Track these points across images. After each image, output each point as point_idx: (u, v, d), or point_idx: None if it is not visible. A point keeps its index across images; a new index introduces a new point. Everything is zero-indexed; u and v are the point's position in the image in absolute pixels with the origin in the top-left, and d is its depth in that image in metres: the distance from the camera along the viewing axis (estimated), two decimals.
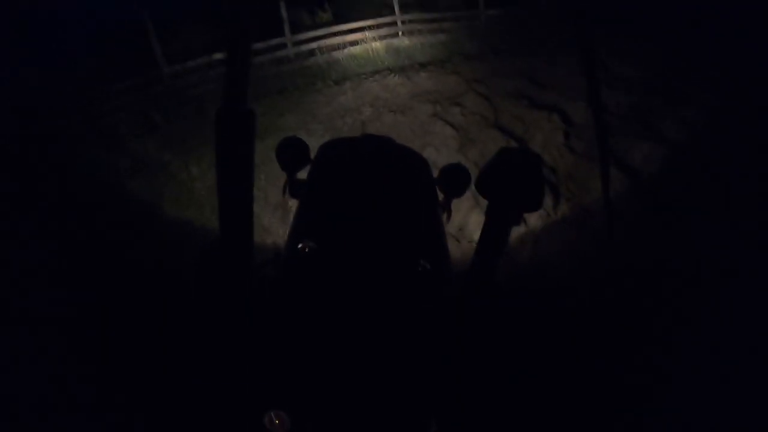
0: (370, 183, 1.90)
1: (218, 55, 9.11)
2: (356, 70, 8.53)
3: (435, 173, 2.18)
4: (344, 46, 9.63)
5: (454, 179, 2.19)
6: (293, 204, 2.01)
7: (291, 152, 2.31)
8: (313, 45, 9.53)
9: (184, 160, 6.67)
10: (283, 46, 9.37)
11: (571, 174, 5.30)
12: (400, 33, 10.03)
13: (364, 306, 1.39)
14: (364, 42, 9.77)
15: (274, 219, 6.20)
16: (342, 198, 1.86)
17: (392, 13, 10.13)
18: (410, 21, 10.12)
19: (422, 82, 7.60)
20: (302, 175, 2.14)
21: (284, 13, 9.39)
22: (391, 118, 6.84)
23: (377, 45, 9.69)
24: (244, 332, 1.36)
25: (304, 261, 1.56)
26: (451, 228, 4.90)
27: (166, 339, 3.26)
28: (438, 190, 2.18)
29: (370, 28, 9.90)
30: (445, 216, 2.17)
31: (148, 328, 3.66)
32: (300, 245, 1.66)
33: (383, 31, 9.95)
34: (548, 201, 5.17)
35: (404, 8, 10.24)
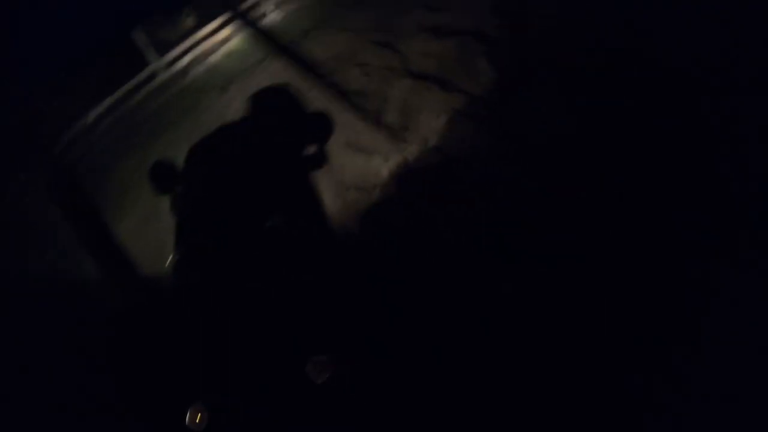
0: (222, 167, 2.05)
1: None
2: (239, 68, 7.75)
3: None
4: (218, 46, 8.78)
5: (316, 129, 2.49)
6: None
7: (158, 173, 2.43)
8: (187, 58, 8.65)
9: None
10: (154, 74, 8.50)
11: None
12: (270, 8, 9.15)
13: (229, 271, 1.58)
14: (237, 33, 8.90)
15: None
16: (195, 195, 2.03)
17: None
18: None
19: (311, 54, 6.86)
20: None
21: (143, 39, 8.46)
22: None
23: (251, 30, 8.83)
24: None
25: (176, 270, 1.76)
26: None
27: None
28: (307, 143, 2.41)
29: (237, 16, 9.00)
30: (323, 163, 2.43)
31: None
32: (169, 260, 1.87)
33: (253, 14, 9.06)
34: None
35: None
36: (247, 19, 8.98)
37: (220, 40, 8.81)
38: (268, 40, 8.36)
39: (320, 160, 2.62)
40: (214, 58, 8.50)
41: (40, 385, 3.58)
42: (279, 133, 2.46)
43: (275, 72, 6.85)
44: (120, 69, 9.35)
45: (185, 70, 8.56)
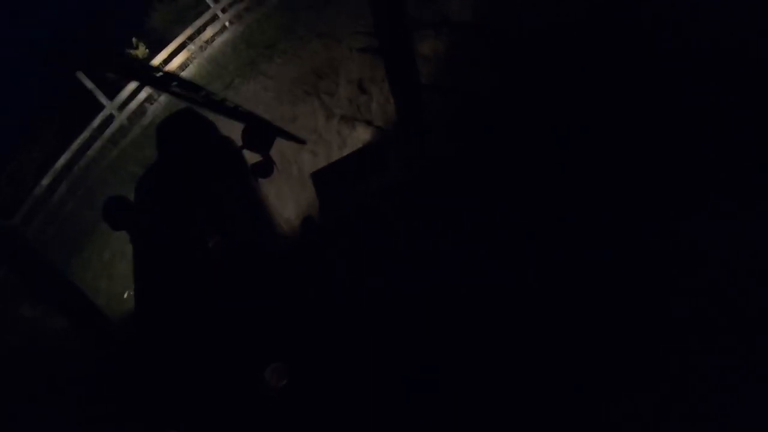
0: (168, 193, 2.05)
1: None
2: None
3: None
4: (176, 72, 7.73)
5: (257, 139, 2.42)
6: None
7: (112, 212, 2.41)
8: (142, 95, 7.62)
9: None
10: (110, 118, 7.46)
11: None
12: (226, 24, 8.12)
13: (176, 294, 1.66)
14: (194, 57, 7.88)
15: None
16: (146, 226, 2.06)
17: (207, 7, 8.18)
18: (230, 5, 8.17)
19: (283, 70, 5.85)
20: None
21: (89, 84, 7.42)
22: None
23: (210, 52, 7.82)
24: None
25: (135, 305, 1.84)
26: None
27: None
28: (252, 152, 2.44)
29: (191, 38, 7.97)
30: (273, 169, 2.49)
31: None
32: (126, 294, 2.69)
33: (208, 33, 8.03)
34: None
35: None
36: (204, 38, 7.95)
37: (177, 67, 7.77)
38: (230, 59, 7.36)
39: (266, 170, 2.60)
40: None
41: None
42: (223, 149, 2.46)
43: (247, 97, 5.82)
44: (73, 118, 8.39)
45: (141, 110, 7.52)
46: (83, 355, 4.07)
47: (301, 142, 3.20)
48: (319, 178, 3.31)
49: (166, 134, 2.51)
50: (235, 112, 2.35)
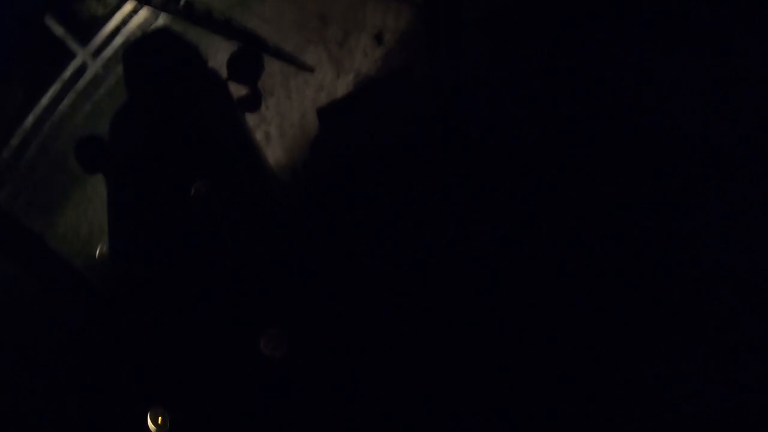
0: (144, 134, 1.63)
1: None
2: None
3: None
4: (154, 18, 6.84)
5: (245, 68, 1.91)
6: None
7: (83, 152, 2.43)
8: (119, 40, 6.75)
9: None
10: (83, 68, 6.62)
11: None
12: None
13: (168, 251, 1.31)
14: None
15: None
16: (122, 172, 1.62)
17: None
18: None
19: (280, 11, 5.04)
20: None
21: (58, 29, 6.53)
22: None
23: None
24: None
25: (108, 260, 1.35)
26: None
27: None
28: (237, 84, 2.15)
29: None
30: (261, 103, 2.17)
31: None
32: (99, 249, 1.95)
33: None
34: None
35: None
36: None
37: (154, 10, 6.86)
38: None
39: (253, 104, 2.29)
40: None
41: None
42: (203, 84, 2.18)
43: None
44: (44, 67, 7.53)
45: (117, 57, 6.68)
46: (61, 320, 3.77)
47: (308, 69, 2.99)
48: (326, 114, 2.90)
49: (138, 61, 2.28)
50: (227, 27, 1.95)
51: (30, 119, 6.45)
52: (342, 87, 3.65)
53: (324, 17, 4.55)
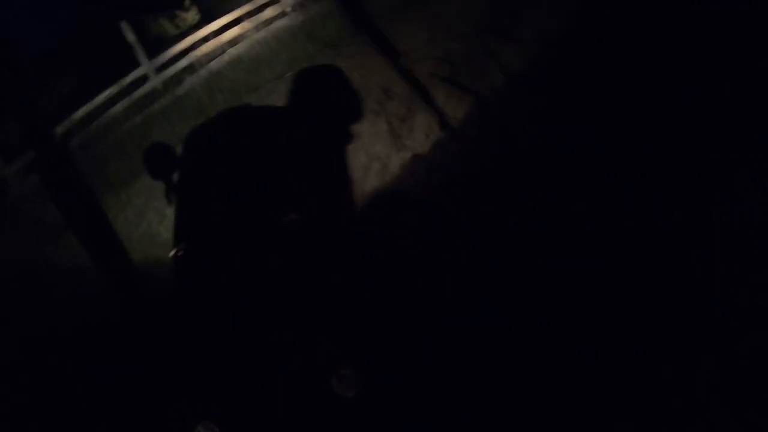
0: (227, 158, 1.86)
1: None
2: (248, 83, 6.14)
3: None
4: (223, 49, 7.16)
5: (335, 111, 2.49)
6: None
7: (154, 158, 2.47)
8: (183, 62, 7.02)
9: None
10: (143, 79, 6.86)
11: None
12: (288, 9, 7.55)
13: (249, 279, 1.40)
14: (246, 36, 7.30)
15: None
16: (202, 183, 1.87)
17: None
18: None
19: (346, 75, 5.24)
20: None
21: (131, 37, 6.83)
22: None
23: (263, 34, 7.24)
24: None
25: (180, 265, 1.63)
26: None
27: None
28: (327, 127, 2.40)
29: (249, 14, 7.40)
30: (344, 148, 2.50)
31: None
32: (173, 253, 1.80)
33: (267, 13, 7.47)
34: None
35: None
36: (261, 18, 7.37)
37: (226, 42, 7.20)
38: (286, 47, 6.79)
39: (345, 141, 2.44)
40: (216, 65, 6.88)
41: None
42: (288, 122, 2.22)
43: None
44: (108, 63, 7.77)
45: (178, 77, 6.92)
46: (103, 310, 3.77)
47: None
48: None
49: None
50: None
51: (80, 113, 6.62)
52: (396, 161, 3.76)
53: (387, 90, 4.75)
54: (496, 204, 3.04)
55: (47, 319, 4.17)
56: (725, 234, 2.27)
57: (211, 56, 7.10)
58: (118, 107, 6.58)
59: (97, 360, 3.25)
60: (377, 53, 5.52)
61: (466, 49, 4.68)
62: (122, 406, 2.61)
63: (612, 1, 3.84)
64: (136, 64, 6.94)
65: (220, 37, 7.19)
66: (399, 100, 4.48)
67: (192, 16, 8.67)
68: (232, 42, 7.24)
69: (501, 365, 2.18)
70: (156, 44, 7.71)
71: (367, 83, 5.03)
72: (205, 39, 7.16)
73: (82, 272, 4.57)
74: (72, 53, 9.00)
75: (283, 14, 7.53)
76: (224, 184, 1.89)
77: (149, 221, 5.30)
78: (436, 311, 2.31)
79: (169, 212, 4.92)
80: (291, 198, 1.76)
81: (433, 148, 3.73)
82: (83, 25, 9.26)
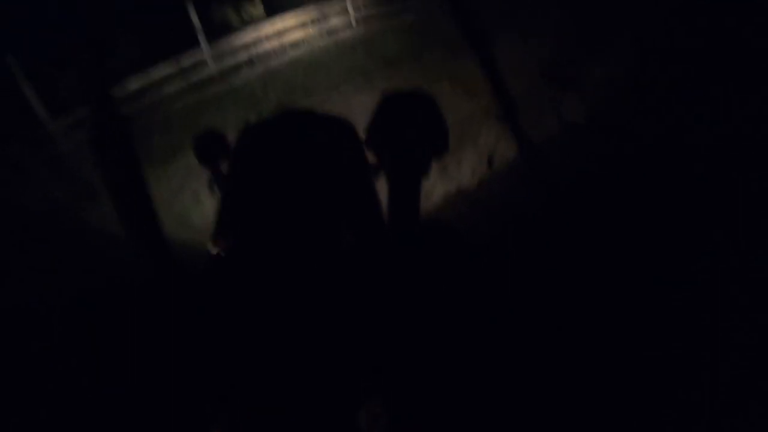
0: (281, 166, 1.38)
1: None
2: (305, 86, 6.23)
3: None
4: (284, 50, 7.30)
5: (384, 138, 1.62)
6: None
7: (205, 143, 2.45)
8: (243, 56, 7.16)
9: None
10: (202, 64, 6.99)
11: None
12: (352, 22, 7.69)
13: (291, 298, 1.18)
14: (309, 41, 7.43)
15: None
16: (252, 185, 1.40)
17: None
18: (365, 5, 7.76)
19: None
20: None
21: (195, 20, 6.99)
22: None
23: (326, 42, 7.38)
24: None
25: (219, 267, 1.35)
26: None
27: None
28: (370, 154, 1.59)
29: (313, 21, 7.55)
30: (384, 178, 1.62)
31: None
32: (213, 249, 1.94)
33: (331, 23, 7.61)
34: None
35: None
36: (325, 26, 7.51)
37: (288, 43, 7.34)
38: (345, 58, 6.90)
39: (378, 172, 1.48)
40: (275, 63, 7.01)
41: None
42: (353, 136, 1.31)
43: (353, 109, 5.28)
44: (170, 39, 7.89)
45: (236, 68, 7.05)
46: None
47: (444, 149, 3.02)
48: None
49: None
50: None
51: (134, 84, 6.73)
52: (440, 191, 3.77)
53: None
54: (528, 247, 3.08)
55: (71, 276, 4.26)
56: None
57: (271, 54, 7.23)
58: (173, 86, 6.70)
59: (111, 328, 3.30)
60: (434, 80, 5.59)
61: (525, 91, 4.73)
62: (131, 393, 2.51)
63: (673, 58, 3.88)
64: (196, 47, 7.07)
65: (282, 37, 7.31)
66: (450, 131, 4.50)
67: (257, 9, 8.86)
68: (294, 44, 7.37)
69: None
70: (218, 31, 7.86)
71: None
72: (268, 37, 7.29)
73: (113, 236, 4.66)
74: (137, 22, 9.17)
75: (347, 26, 7.68)
76: (277, 189, 1.97)
77: (183, 203, 5.36)
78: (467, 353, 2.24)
79: (206, 199, 4.99)
80: (347, 218, 1.83)
81: (478, 184, 3.73)
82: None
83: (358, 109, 5.22)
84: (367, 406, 1.45)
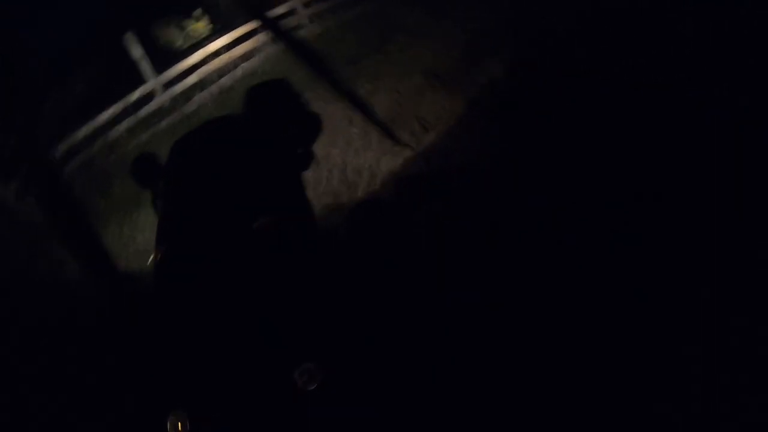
0: (204, 168, 2.06)
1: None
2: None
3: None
4: (236, 64, 6.74)
5: (302, 128, 2.55)
6: None
7: (141, 167, 2.53)
8: (193, 78, 6.60)
9: None
10: (150, 96, 6.43)
11: None
12: (305, 21, 7.13)
13: (216, 279, 1.55)
14: (261, 49, 6.87)
15: None
16: (180, 192, 2.05)
17: None
18: (315, 1, 7.19)
19: (373, 101, 4.75)
20: None
21: (137, 51, 6.42)
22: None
23: (280, 48, 6.81)
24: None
25: (159, 268, 1.78)
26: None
27: None
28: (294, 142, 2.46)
29: (263, 27, 6.98)
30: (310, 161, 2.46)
31: None
32: (152, 258, 1.98)
33: (283, 26, 7.03)
34: None
35: None
36: (277, 31, 6.94)
37: (239, 56, 6.78)
38: (302, 63, 6.35)
39: (308, 158, 2.53)
40: (228, 81, 6.46)
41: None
42: (267, 131, 2.37)
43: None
44: (111, 81, 7.40)
45: (187, 94, 6.49)
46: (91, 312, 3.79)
47: (403, 144, 3.56)
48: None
49: (245, 104, 2.57)
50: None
51: (83, 131, 6.21)
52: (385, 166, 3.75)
53: (424, 119, 4.28)
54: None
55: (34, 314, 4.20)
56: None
57: (223, 71, 6.68)
58: (124, 125, 6.17)
59: (78, 352, 3.37)
60: (406, 75, 5.07)
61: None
62: (97, 398, 2.80)
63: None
64: (142, 80, 6.51)
65: (232, 51, 6.76)
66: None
67: (203, 27, 8.25)
68: (246, 56, 6.82)
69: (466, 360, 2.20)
70: (165, 57, 7.30)
71: (400, 111, 4.58)
72: (217, 53, 6.74)
73: (70, 280, 4.51)
74: (78, 66, 8.62)
75: (299, 27, 7.11)
76: (203, 190, 1.99)
77: (147, 239, 4.97)
78: (404, 310, 2.45)
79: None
80: (264, 203, 1.89)
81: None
82: (90, 37, 8.88)
83: (326, 124, 4.72)
84: (302, 366, 1.51)
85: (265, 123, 2.54)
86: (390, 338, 2.33)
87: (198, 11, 8.38)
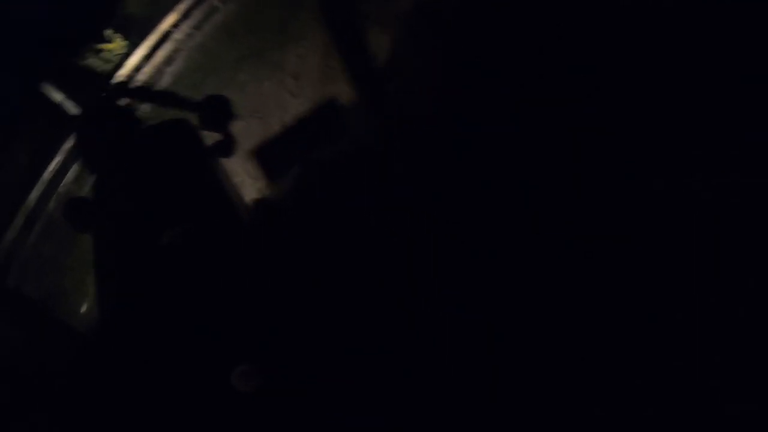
0: (121, 188, 2.04)
1: None
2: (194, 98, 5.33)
3: None
4: (160, 72, 6.26)
5: (215, 114, 2.48)
6: None
7: (72, 210, 2.48)
8: (120, 102, 6.13)
9: None
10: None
11: None
12: (216, 2, 6.56)
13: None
14: (181, 48, 6.37)
15: None
16: (107, 218, 2.05)
17: None
18: None
19: (308, 65, 4.36)
20: None
21: (56, 96, 5.96)
22: None
23: (201, 40, 6.30)
24: None
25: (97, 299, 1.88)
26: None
27: None
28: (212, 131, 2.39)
29: (176, 25, 6.44)
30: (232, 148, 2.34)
31: None
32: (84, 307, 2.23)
33: (196, 16, 6.48)
34: None
35: None
36: (193, 21, 6.41)
37: (161, 62, 6.28)
38: (225, 47, 5.89)
39: (229, 144, 2.38)
40: (156, 91, 6.02)
41: None
42: (183, 133, 2.35)
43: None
44: (45, 138, 6.96)
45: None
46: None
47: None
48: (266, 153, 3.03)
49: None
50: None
51: (33, 195, 5.83)
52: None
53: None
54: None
55: None
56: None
57: (149, 84, 6.20)
58: (70, 176, 5.78)
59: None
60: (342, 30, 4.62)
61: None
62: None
63: None
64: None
65: (152, 59, 6.25)
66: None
67: (118, 44, 7.66)
68: (168, 60, 6.31)
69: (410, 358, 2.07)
70: (87, 85, 6.79)
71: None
72: (138, 67, 6.24)
73: None
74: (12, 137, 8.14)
75: (213, 10, 6.54)
76: (123, 213, 1.93)
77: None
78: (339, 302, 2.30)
79: None
80: (175, 212, 1.81)
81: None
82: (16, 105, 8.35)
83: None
84: (238, 369, 1.45)
85: (182, 125, 2.66)
86: (333, 335, 2.22)
87: (109, 31, 7.77)
